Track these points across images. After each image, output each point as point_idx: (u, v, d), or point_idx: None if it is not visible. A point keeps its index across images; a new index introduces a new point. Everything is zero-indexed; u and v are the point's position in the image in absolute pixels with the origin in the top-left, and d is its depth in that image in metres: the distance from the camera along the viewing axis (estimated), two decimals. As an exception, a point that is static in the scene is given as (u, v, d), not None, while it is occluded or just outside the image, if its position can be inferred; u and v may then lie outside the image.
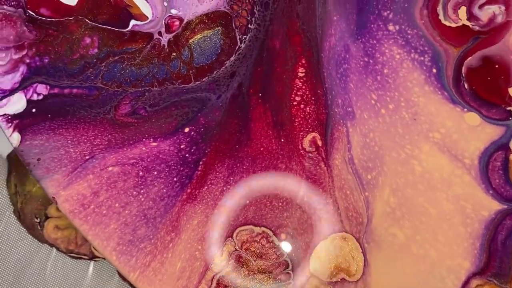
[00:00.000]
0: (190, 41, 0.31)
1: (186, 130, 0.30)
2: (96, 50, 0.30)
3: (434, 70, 0.29)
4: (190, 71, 0.31)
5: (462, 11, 0.29)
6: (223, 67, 0.31)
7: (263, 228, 0.30)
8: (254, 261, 0.30)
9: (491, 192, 0.28)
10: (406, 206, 0.29)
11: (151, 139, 0.30)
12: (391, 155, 0.30)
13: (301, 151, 0.30)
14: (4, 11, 0.30)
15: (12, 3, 0.30)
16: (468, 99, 0.29)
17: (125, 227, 0.29)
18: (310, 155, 0.30)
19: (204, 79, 0.31)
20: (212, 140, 0.31)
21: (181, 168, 0.30)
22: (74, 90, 0.30)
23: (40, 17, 0.30)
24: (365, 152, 0.30)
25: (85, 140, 0.30)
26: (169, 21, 0.31)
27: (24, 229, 0.35)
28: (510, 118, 0.28)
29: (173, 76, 0.31)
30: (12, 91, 0.29)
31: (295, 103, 0.31)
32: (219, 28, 0.31)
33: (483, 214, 0.28)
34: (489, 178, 0.28)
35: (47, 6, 0.30)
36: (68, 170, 0.29)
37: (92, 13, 0.30)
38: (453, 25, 0.29)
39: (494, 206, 0.28)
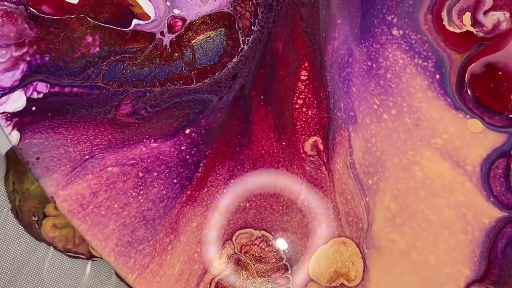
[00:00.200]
0: (193, 41, 0.30)
1: (187, 131, 0.30)
2: (97, 49, 0.30)
3: (438, 76, 0.29)
4: (192, 72, 0.30)
5: (467, 17, 0.29)
6: (225, 69, 0.31)
7: (262, 232, 0.30)
8: (253, 264, 0.30)
9: (492, 199, 0.28)
10: (407, 212, 0.29)
11: (152, 140, 0.30)
12: (393, 161, 0.29)
13: (303, 155, 0.30)
14: (5, 7, 0.29)
15: (14, 0, 0.29)
16: (471, 105, 0.29)
17: (123, 228, 0.29)
18: (312, 159, 0.30)
19: (206, 81, 0.31)
20: (213, 142, 0.30)
21: (181, 170, 0.30)
22: (75, 89, 0.30)
23: (41, 15, 0.29)
24: (367, 157, 0.30)
25: (85, 140, 0.29)
26: (171, 21, 0.30)
27: (22, 227, 0.35)
28: (513, 126, 0.28)
29: (175, 77, 0.30)
30: (12, 89, 0.29)
31: (297, 106, 0.30)
32: (222, 29, 0.31)
33: (484, 221, 0.28)
34: (490, 186, 0.28)
35: (49, 3, 0.30)
36: (67, 169, 0.29)
37: (94, 11, 0.30)
38: (457, 30, 0.29)
39: (495, 213, 0.28)
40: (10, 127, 0.29)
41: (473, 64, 0.29)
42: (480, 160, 0.28)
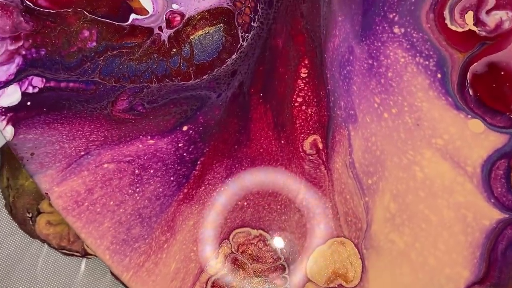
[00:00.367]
0: (191, 37, 0.30)
1: (185, 128, 0.30)
2: (94, 44, 0.30)
3: (439, 75, 0.29)
4: (190, 68, 0.30)
5: (469, 16, 0.29)
6: (224, 65, 0.30)
7: (260, 231, 0.29)
8: (250, 264, 0.29)
9: (492, 201, 0.28)
10: (407, 212, 0.29)
11: (148, 137, 0.29)
12: (393, 160, 0.29)
13: (302, 154, 0.30)
14: (0, 0, 0.29)
15: (9, -7, 0.29)
16: (472, 105, 0.28)
17: (119, 226, 0.28)
18: (311, 157, 0.30)
19: (204, 77, 0.30)
20: (211, 139, 0.30)
21: (178, 167, 0.29)
22: (71, 84, 0.29)
23: (37, 8, 0.29)
24: (367, 156, 0.29)
25: (81, 136, 0.29)
26: (170, 16, 0.30)
27: (16, 224, 0.35)
28: (515, 126, 0.28)
29: (173, 73, 0.30)
30: (6, 83, 0.29)
31: (296, 104, 0.30)
32: (221, 25, 0.30)
33: (484, 223, 0.28)
34: (491, 187, 0.28)
35: (45, -4, 0.29)
36: (63, 165, 0.28)
37: (91, 5, 0.30)
38: (460, 29, 0.29)
39: (495, 215, 0.28)
40: (4, 122, 0.29)
41: (475, 63, 0.29)
42: (481, 161, 0.28)
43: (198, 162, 0.30)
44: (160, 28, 0.30)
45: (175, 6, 0.30)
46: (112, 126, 0.29)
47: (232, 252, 0.29)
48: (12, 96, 0.29)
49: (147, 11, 0.30)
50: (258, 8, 0.30)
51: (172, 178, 0.29)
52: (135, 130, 0.29)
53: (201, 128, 0.30)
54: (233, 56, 0.30)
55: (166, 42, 0.30)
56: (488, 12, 0.29)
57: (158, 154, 0.29)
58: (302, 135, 0.30)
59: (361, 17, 0.30)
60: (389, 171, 0.29)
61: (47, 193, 0.28)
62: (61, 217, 0.32)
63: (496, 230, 0.28)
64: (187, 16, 0.30)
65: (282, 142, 0.30)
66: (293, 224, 0.29)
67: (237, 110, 0.30)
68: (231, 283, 0.29)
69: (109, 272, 0.35)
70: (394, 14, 0.29)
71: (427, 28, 0.29)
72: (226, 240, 0.29)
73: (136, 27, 0.30)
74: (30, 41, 0.29)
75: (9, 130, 0.29)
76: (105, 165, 0.29)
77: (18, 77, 0.29)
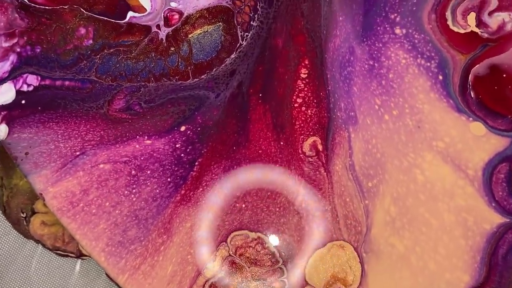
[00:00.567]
0: (190, 36, 0.30)
1: (182, 128, 0.29)
2: (90, 42, 0.29)
3: (440, 77, 0.28)
4: (188, 68, 0.30)
5: (471, 17, 0.28)
6: (223, 65, 0.30)
7: (258, 234, 0.29)
8: (248, 267, 0.29)
9: (493, 204, 0.28)
10: (407, 216, 0.28)
11: (145, 137, 0.29)
12: (393, 163, 0.29)
13: (301, 155, 0.30)
14: (-5, -4, 0.28)
15: (4, -12, 0.29)
16: (474, 108, 0.28)
17: (115, 228, 0.28)
18: (310, 159, 0.29)
19: (202, 76, 0.30)
20: (209, 140, 0.30)
21: (176, 168, 0.29)
22: (67, 83, 0.29)
23: (33, 4, 0.29)
24: (367, 158, 0.29)
25: (76, 135, 0.28)
26: (168, 14, 0.29)
27: (9, 224, 0.34)
28: (516, 130, 0.28)
29: (171, 72, 0.30)
30: (0, 81, 0.28)
31: (296, 105, 0.30)
32: (220, 23, 0.30)
33: (485, 227, 0.28)
34: (492, 190, 0.28)
35: (41, -7, 0.29)
36: (58, 165, 0.28)
37: (88, 2, 0.29)
38: (462, 31, 0.28)
39: (496, 219, 0.28)
40: (-2, 121, 0.28)
41: (477, 65, 0.28)
42: (482, 164, 0.28)
43: (196, 163, 0.29)
44: (158, 26, 0.29)
45: (173, 4, 0.29)
46: (109, 126, 0.29)
47: (230, 255, 0.29)
48: (6, 94, 0.28)
49: (145, 8, 0.29)
50: (258, 7, 0.30)
51: (169, 179, 0.29)
52: (131, 130, 0.29)
53: (199, 129, 0.30)
54: (232, 56, 0.30)
55: (164, 40, 0.29)
56: (490, 13, 0.28)
57: (155, 154, 0.29)
58: (302, 137, 0.30)
59: (362, 17, 0.29)
60: (389, 174, 0.29)
61: (41, 194, 0.28)
62: (56, 218, 0.32)
63: (497, 235, 0.27)
64: (185, 14, 0.30)
65: (282, 143, 0.30)
66: (292, 227, 0.29)
67: (235, 111, 0.30)
68: (228, 286, 0.29)
69: (104, 273, 0.34)
70: (395, 14, 0.29)
71: (429, 29, 0.29)
72: (224, 243, 0.29)
73: (133, 25, 0.29)
74: (25, 38, 0.29)
75: (3, 129, 0.28)
76: (101, 166, 0.28)
77: (12, 75, 0.28)
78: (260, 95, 0.30)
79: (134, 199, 0.28)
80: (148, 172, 0.29)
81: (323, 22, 0.30)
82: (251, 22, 0.30)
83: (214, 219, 0.29)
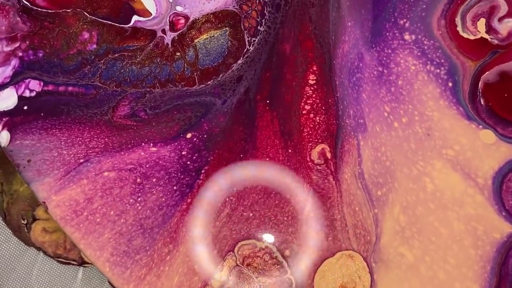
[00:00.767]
0: (196, 41, 0.29)
1: (188, 135, 0.29)
2: (94, 46, 0.28)
3: (450, 84, 0.28)
4: (195, 73, 0.29)
5: (481, 23, 0.28)
6: (230, 71, 0.29)
7: (266, 243, 0.29)
8: (256, 277, 0.28)
9: (504, 213, 0.27)
10: (416, 225, 0.28)
11: (151, 144, 0.28)
12: (403, 171, 0.28)
13: (309, 163, 0.29)
14: (-4, -1, 0.28)
15: (5, -9, 0.28)
16: (484, 115, 0.28)
17: (120, 237, 0.27)
18: (319, 167, 0.29)
19: (209, 82, 0.29)
20: (216, 147, 0.29)
21: (182, 176, 0.28)
22: (70, 88, 0.28)
23: (35, 8, 0.28)
24: (376, 167, 0.29)
25: (80, 142, 0.28)
26: (174, 19, 0.29)
27: (10, 231, 0.34)
28: (527, 138, 0.27)
29: (176, 78, 0.29)
30: (2, 86, 0.28)
31: (304, 112, 0.29)
32: (226, 28, 0.29)
33: (495, 236, 0.27)
34: (503, 199, 0.27)
35: (43, -4, 0.28)
36: (61, 173, 0.27)
37: (91, 5, 0.29)
38: (471, 37, 0.28)
39: (507, 228, 0.27)
40: (-1, 127, 0.27)
41: (487, 72, 0.28)
42: (492, 173, 0.28)
43: (202, 171, 0.29)
44: (163, 31, 0.29)
45: (179, 8, 0.29)
46: (113, 133, 0.28)
47: (237, 265, 0.28)
48: (8, 100, 0.28)
49: (150, 13, 0.29)
50: (265, 11, 0.29)
51: (175, 187, 0.28)
52: (137, 137, 0.28)
53: (205, 136, 0.29)
54: (239, 61, 0.29)
55: (170, 45, 0.29)
56: (500, 19, 0.28)
57: (160, 162, 0.28)
58: (310, 144, 0.29)
59: (371, 23, 0.29)
60: (399, 182, 0.28)
61: (44, 202, 0.27)
62: (57, 224, 0.31)
63: (507, 244, 0.27)
64: (191, 19, 0.29)
65: (289, 151, 0.29)
66: (300, 236, 0.29)
67: (242, 118, 0.29)
68: (236, 297, 0.28)
69: (107, 281, 0.34)
70: (405, 20, 0.29)
71: (438, 35, 0.28)
72: (231, 253, 0.28)
73: (138, 30, 0.29)
74: (27, 42, 0.28)
75: (5, 136, 0.27)
76: (106, 173, 0.28)
77: (14, 80, 0.28)
78: (268, 101, 0.29)
79: (139, 207, 0.28)
80: (154, 180, 0.28)
81: (331, 27, 0.29)
82: (258, 27, 0.29)
83: (221, 228, 0.28)
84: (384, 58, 0.29)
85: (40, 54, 0.28)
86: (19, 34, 0.28)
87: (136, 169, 0.28)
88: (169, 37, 0.29)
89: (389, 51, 0.29)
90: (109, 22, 0.29)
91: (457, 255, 0.27)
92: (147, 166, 0.28)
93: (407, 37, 0.28)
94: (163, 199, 0.28)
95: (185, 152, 0.29)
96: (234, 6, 0.29)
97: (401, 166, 0.28)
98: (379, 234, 0.28)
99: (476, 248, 0.27)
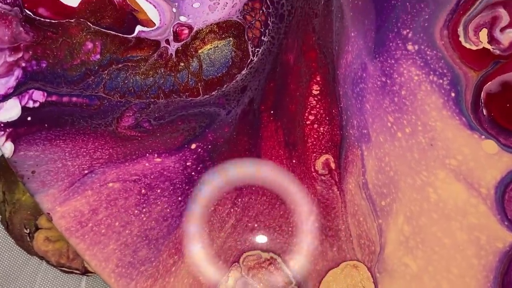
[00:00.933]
0: (200, 51, 0.29)
1: (193, 146, 0.29)
2: (98, 56, 0.28)
3: (453, 94, 0.28)
4: (199, 84, 0.29)
5: (483, 33, 0.28)
6: (234, 81, 0.29)
7: (271, 254, 0.29)
8: (261, 288, 0.28)
9: (506, 223, 0.28)
10: (420, 235, 0.28)
11: (155, 155, 0.28)
12: (407, 181, 0.28)
13: (313, 174, 0.29)
14: (-2, 8, 0.28)
15: (8, 1, 0.28)
16: (486, 126, 0.28)
17: (125, 248, 0.27)
18: (323, 178, 0.29)
19: (213, 93, 0.29)
20: (220, 158, 0.29)
21: (187, 187, 0.29)
22: (74, 99, 0.28)
23: (38, 18, 0.28)
24: (380, 177, 0.29)
25: (84, 153, 0.28)
26: (177, 29, 0.29)
27: (12, 240, 0.33)
28: (529, 148, 0.28)
29: (181, 88, 0.29)
30: (5, 97, 0.28)
31: (308, 122, 0.29)
32: (230, 39, 0.29)
33: (498, 246, 0.27)
34: (505, 209, 0.28)
35: (46, 6, 0.28)
36: (65, 184, 0.27)
37: (95, 16, 0.28)
38: (474, 47, 0.28)
39: (509, 238, 0.28)
40: (3, 138, 0.27)
41: (489, 82, 0.28)
42: (494, 183, 0.28)
43: (207, 182, 0.29)
44: (167, 41, 0.29)
45: (183, 19, 0.29)
46: (117, 144, 0.28)
47: (243, 276, 0.28)
48: (11, 110, 0.28)
49: (154, 23, 0.29)
50: (269, 22, 0.29)
51: (180, 198, 0.28)
52: (141, 147, 0.28)
53: (210, 146, 0.29)
54: (243, 72, 0.29)
55: (174, 56, 0.29)
56: (502, 30, 0.28)
57: (165, 173, 0.28)
58: (314, 155, 0.29)
59: (374, 33, 0.29)
60: (402, 193, 0.28)
61: (49, 213, 0.27)
62: (60, 233, 0.31)
63: (510, 253, 0.27)
64: (195, 29, 0.29)
65: (294, 161, 0.29)
66: (305, 246, 0.29)
67: (247, 128, 0.29)
68: (241, 307, 0.28)
69: (110, 290, 0.34)
70: (407, 30, 0.29)
71: (441, 45, 0.28)
72: (236, 263, 0.28)
73: (142, 40, 0.29)
74: (30, 52, 0.28)
75: (9, 147, 0.27)
76: (110, 184, 0.28)
77: (17, 91, 0.28)
78: (272, 112, 0.29)
79: (144, 218, 0.28)
80: (159, 191, 0.28)
81: (335, 37, 0.29)
82: (262, 38, 0.29)
83: (226, 239, 0.28)
84: (387, 68, 0.29)
85: (44, 65, 0.28)
86: (22, 44, 0.28)
87: (141, 180, 0.28)
88: (173, 47, 0.29)
89: (392, 61, 0.29)
90: (113, 32, 0.28)
91: (460, 265, 0.28)
92: (152, 177, 0.28)
93: (410, 47, 0.29)
94: (168, 210, 0.28)
95: (190, 163, 0.29)
96: (238, 17, 0.29)
97: (404, 176, 0.29)
98: (383, 244, 0.28)
99: (479, 258, 0.28)
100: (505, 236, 0.27)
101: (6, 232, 0.33)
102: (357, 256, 0.28)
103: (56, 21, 0.28)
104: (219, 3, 0.29)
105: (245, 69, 0.29)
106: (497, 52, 0.28)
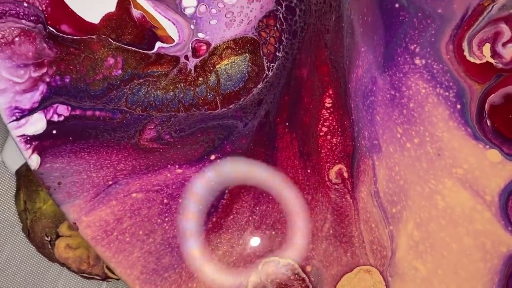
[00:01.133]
0: (217, 66, 0.30)
1: (212, 157, 0.30)
2: (120, 72, 0.29)
3: (459, 106, 0.30)
4: (217, 97, 0.30)
5: (487, 48, 0.29)
6: (250, 95, 0.30)
7: (288, 260, 0.30)
8: (279, 292, 0.30)
9: (510, 228, 0.29)
10: (429, 240, 0.30)
11: (176, 166, 0.30)
12: (416, 190, 0.30)
13: (327, 183, 0.31)
14: (22, 25, 0.29)
15: (31, 18, 0.29)
16: (490, 136, 0.29)
17: (149, 256, 0.28)
18: (336, 186, 0.30)
19: (231, 106, 0.30)
20: (238, 168, 0.30)
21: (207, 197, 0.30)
22: (97, 113, 0.29)
23: (61, 34, 0.29)
24: (391, 185, 0.30)
25: (108, 165, 0.29)
26: (196, 45, 0.30)
27: (34, 248, 0.34)
28: (531, 157, 0.29)
29: (200, 102, 0.30)
30: (31, 111, 0.28)
31: (322, 133, 0.31)
32: (246, 54, 0.30)
33: (502, 250, 0.29)
34: (509, 215, 0.29)
35: (69, 22, 0.29)
36: (91, 195, 0.28)
37: (116, 32, 0.29)
38: (478, 61, 0.30)
39: (513, 242, 0.29)
40: (29, 151, 0.28)
41: (493, 95, 0.29)
42: (498, 190, 0.29)
43: (226, 191, 0.30)
44: (186, 57, 0.30)
45: (201, 35, 0.30)
46: (140, 155, 0.29)
47: (261, 281, 0.30)
48: (37, 124, 0.29)
49: (173, 39, 0.30)
50: (282, 38, 0.31)
51: (200, 207, 0.30)
52: (163, 159, 0.30)
53: (228, 157, 0.30)
54: (259, 86, 0.31)
55: (193, 71, 0.30)
56: (504, 44, 0.29)
57: (186, 183, 0.30)
58: (328, 164, 0.31)
59: (383, 48, 0.30)
60: (412, 200, 0.30)
61: (75, 223, 0.28)
62: (81, 241, 0.32)
63: (514, 257, 0.29)
64: (212, 45, 0.30)
65: (308, 171, 0.31)
66: (321, 252, 0.30)
67: (263, 139, 0.31)
68: (260, 311, 0.29)
69: (130, 295, 0.35)
70: (415, 45, 0.30)
71: (447, 60, 0.30)
72: (255, 270, 0.30)
73: (162, 56, 0.30)
74: (54, 68, 0.29)
75: (35, 159, 0.28)
76: (134, 195, 0.29)
77: (42, 105, 0.29)
78: (287, 124, 0.31)
79: (167, 227, 0.29)
80: (180, 200, 0.29)
81: (346, 52, 0.31)
82: (277, 53, 0.31)
83: (245, 246, 0.30)
84: (396, 82, 0.30)
85: (67, 80, 0.29)
86: (46, 60, 0.29)
87: (163, 190, 0.29)
88: (191, 63, 0.30)
89: (401, 75, 0.30)
90: (134, 48, 0.30)
91: (467, 269, 0.29)
92: (174, 187, 0.29)
93: (417, 61, 0.30)
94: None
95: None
96: (253, 33, 0.30)
97: (414, 185, 0.30)
98: (395, 249, 0.30)
99: (485, 262, 0.29)
100: (509, 241, 0.29)
101: (27, 240, 0.34)
102: (370, 261, 0.30)
103: (78, 37, 0.29)
104: (235, 20, 0.30)
105: (261, 83, 0.30)
106: (500, 65, 0.29)
